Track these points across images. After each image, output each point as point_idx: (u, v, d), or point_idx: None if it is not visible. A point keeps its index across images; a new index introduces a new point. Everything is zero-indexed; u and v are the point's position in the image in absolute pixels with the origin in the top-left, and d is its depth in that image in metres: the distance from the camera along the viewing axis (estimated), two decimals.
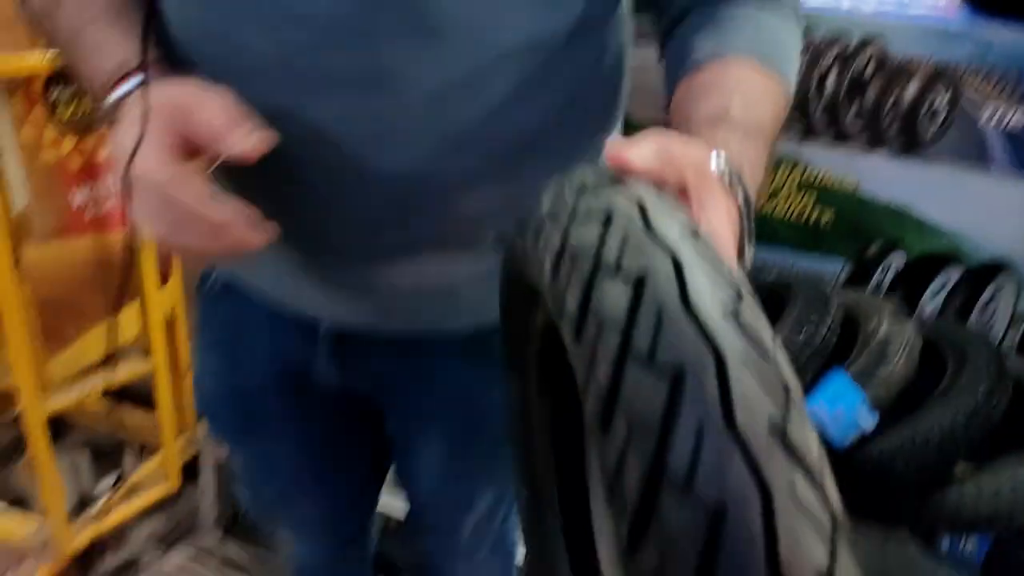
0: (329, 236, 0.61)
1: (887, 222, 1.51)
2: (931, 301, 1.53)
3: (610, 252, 0.29)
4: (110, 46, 0.53)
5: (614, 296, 0.28)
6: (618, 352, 0.26)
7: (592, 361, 0.27)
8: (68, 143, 1.11)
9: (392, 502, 1.24)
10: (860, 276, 1.56)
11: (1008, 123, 1.35)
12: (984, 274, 1.47)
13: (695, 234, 0.31)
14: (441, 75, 0.51)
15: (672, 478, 0.23)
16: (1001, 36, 1.33)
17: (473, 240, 0.61)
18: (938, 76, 1.37)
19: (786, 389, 0.27)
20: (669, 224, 0.31)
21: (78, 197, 1.14)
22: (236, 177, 0.58)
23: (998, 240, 1.44)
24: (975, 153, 1.38)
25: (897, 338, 1.28)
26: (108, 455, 1.51)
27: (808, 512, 0.24)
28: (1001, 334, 1.49)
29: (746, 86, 0.50)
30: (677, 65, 0.54)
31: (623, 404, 0.25)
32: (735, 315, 0.28)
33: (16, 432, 1.69)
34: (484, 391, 0.70)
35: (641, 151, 0.38)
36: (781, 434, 0.25)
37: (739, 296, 0.29)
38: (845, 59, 1.43)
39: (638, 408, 0.25)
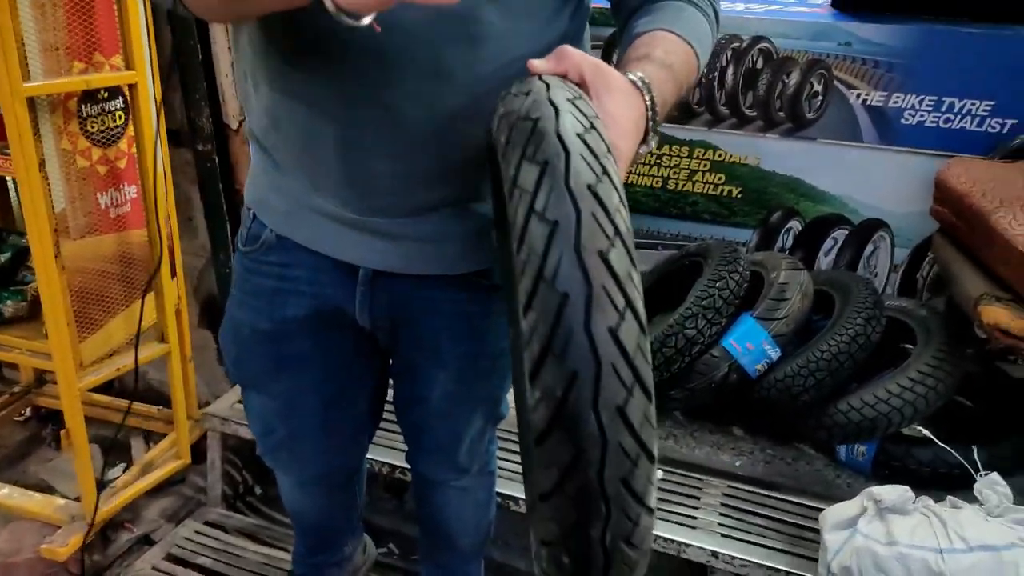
0: (380, 195, 0.77)
1: (785, 193, 1.77)
2: (825, 258, 1.79)
3: (524, 109, 0.53)
4: None
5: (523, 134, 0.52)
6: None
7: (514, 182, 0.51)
8: (96, 153, 1.30)
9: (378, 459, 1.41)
10: (767, 241, 1.82)
11: (870, 102, 1.62)
12: (865, 231, 1.73)
13: (576, 99, 0.54)
14: (479, 71, 0.70)
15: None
16: (861, 31, 1.59)
17: (476, 197, 0.80)
18: (814, 65, 1.63)
19: (603, 167, 0.51)
20: (559, 93, 0.54)
21: (103, 200, 1.32)
22: (317, 149, 0.76)
23: (874, 202, 1.70)
24: (849, 130, 1.64)
25: (793, 283, 1.53)
26: (115, 449, 1.63)
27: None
28: (884, 280, 1.76)
29: (667, 45, 0.71)
30: (625, 38, 0.76)
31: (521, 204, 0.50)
32: (581, 135, 0.51)
33: (30, 430, 1.83)
34: (482, 317, 0.88)
35: (545, 61, 0.61)
36: (594, 192, 0.49)
37: (591, 127, 0.52)
38: (740, 55, 1.69)
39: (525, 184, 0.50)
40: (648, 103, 0.64)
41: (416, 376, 0.95)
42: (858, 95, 1.62)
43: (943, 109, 1.58)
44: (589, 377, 0.46)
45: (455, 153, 0.75)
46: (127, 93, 1.34)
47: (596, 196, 0.49)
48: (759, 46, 1.68)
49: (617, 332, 0.47)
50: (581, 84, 0.60)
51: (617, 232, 0.49)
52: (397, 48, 0.68)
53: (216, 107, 1.57)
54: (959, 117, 1.58)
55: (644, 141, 0.64)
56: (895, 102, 1.61)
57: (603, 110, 0.59)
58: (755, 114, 1.72)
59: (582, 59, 0.61)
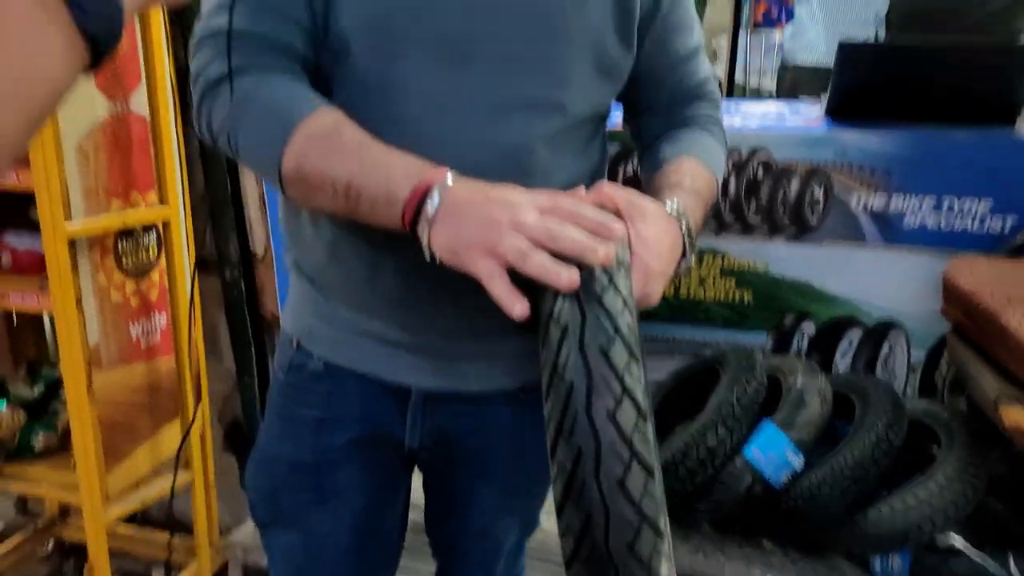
0: (438, 317, 0.81)
1: (796, 296, 1.80)
2: (842, 360, 1.80)
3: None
4: (400, 155, 0.68)
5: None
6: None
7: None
8: (129, 286, 1.36)
9: None
10: (782, 344, 1.83)
11: (871, 206, 1.67)
12: (879, 332, 1.74)
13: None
14: (543, 134, 0.78)
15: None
16: (855, 139, 1.66)
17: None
18: (813, 173, 1.70)
19: (610, 277, 0.60)
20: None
21: (135, 330, 1.38)
22: (378, 279, 0.80)
23: (884, 302, 1.72)
24: (852, 232, 1.69)
25: (811, 388, 1.53)
26: None
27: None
28: (904, 381, 1.75)
29: (692, 172, 0.82)
30: (651, 162, 0.88)
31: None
32: (610, 273, 0.62)
33: (52, 566, 1.82)
34: (531, 429, 0.88)
35: (588, 192, 0.70)
36: (599, 299, 0.59)
37: (619, 265, 0.62)
38: (740, 166, 1.76)
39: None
40: (684, 228, 0.74)
41: (456, 491, 0.96)
42: (859, 199, 1.68)
43: (943, 209, 1.62)
44: (591, 453, 0.56)
45: None
46: (160, 227, 1.42)
47: (600, 303, 0.59)
48: (758, 158, 1.75)
49: (615, 415, 0.56)
50: (617, 211, 0.69)
51: (617, 331, 0.59)
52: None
53: (243, 236, 1.65)
54: (960, 216, 1.62)
55: (682, 258, 0.74)
56: (895, 204, 1.66)
57: (637, 234, 0.68)
58: (760, 221, 1.77)
59: (615, 191, 0.70)
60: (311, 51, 0.77)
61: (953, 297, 1.48)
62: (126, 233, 1.36)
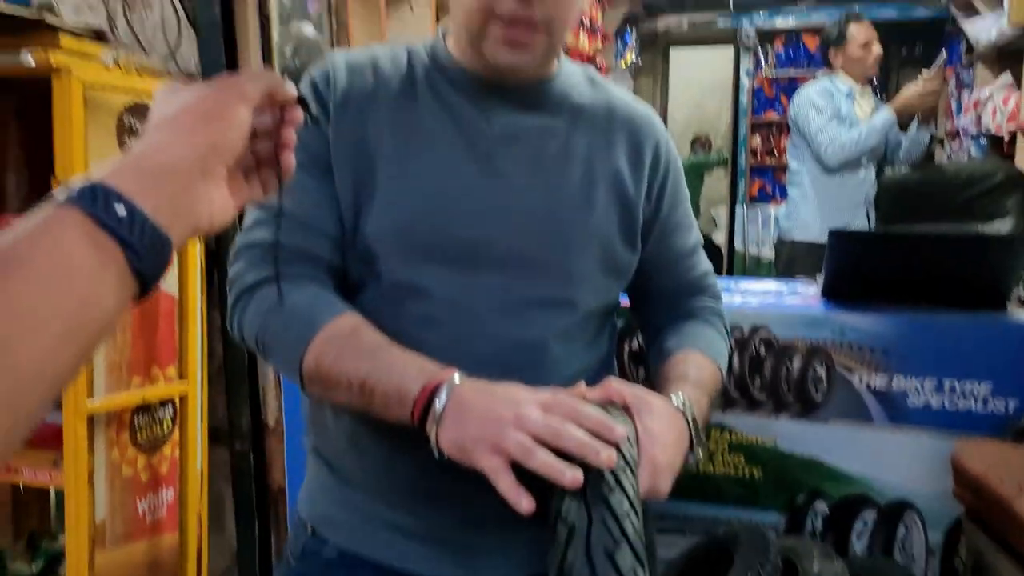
0: (455, 508, 0.84)
1: (806, 473, 1.78)
2: (857, 541, 1.75)
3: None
4: (412, 357, 0.75)
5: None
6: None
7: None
8: (141, 460, 1.38)
9: None
10: (795, 523, 1.79)
11: (874, 385, 1.70)
12: (893, 513, 1.71)
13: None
14: (555, 330, 0.83)
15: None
16: (852, 320, 1.73)
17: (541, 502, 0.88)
18: (814, 352, 1.74)
19: (617, 479, 0.64)
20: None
21: (142, 506, 1.38)
22: (397, 469, 0.83)
23: (896, 482, 1.71)
24: (858, 411, 1.71)
25: (828, 574, 1.49)
26: None
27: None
28: (923, 565, 1.70)
29: (696, 364, 0.89)
30: (657, 353, 0.95)
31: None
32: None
33: None
34: None
35: (594, 390, 0.74)
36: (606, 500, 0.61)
37: (626, 464, 0.65)
38: (743, 343, 1.81)
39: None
40: (690, 421, 0.79)
41: None
42: (860, 378, 1.71)
43: (945, 390, 1.65)
44: None
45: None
46: (177, 401, 1.46)
47: (607, 504, 0.63)
48: (760, 335, 1.80)
49: None
50: (625, 407, 0.74)
51: (624, 535, 0.62)
52: (474, 374, 0.77)
53: (256, 407, 1.68)
54: (962, 398, 1.65)
55: (689, 452, 0.78)
56: (897, 384, 1.69)
57: (644, 428, 0.72)
58: (765, 397, 1.80)
59: (623, 387, 0.77)
60: (338, 257, 0.86)
61: (964, 480, 1.47)
62: (143, 407, 1.39)
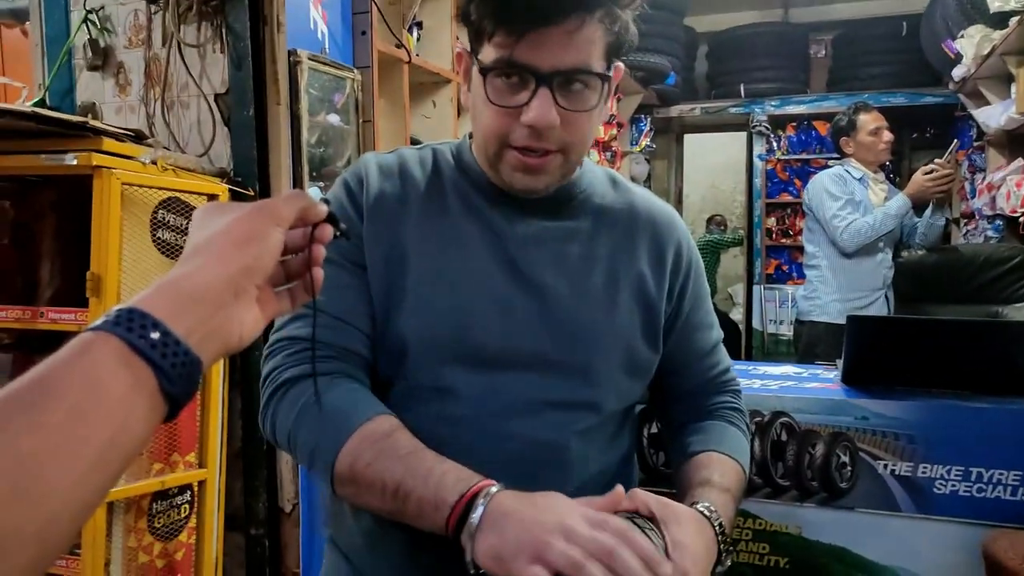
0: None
1: (834, 563, 1.73)
2: None
3: None
4: (451, 465, 0.73)
5: None
6: None
7: None
8: (157, 547, 1.37)
9: None
10: None
11: (899, 472, 1.66)
12: None
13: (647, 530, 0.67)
14: (565, 489, 0.80)
15: None
16: (874, 407, 1.71)
17: None
18: (837, 438, 1.72)
19: None
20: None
21: None
22: (414, 566, 0.83)
23: (925, 572, 1.65)
24: (884, 499, 1.67)
25: None
26: None
27: None
28: None
29: (720, 467, 0.88)
30: (679, 454, 0.95)
31: None
32: None
33: None
34: None
35: (625, 500, 0.73)
36: None
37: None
38: (763, 429, 1.79)
39: None
40: (717, 529, 0.77)
41: None
42: (885, 465, 1.68)
43: (972, 479, 1.61)
44: None
45: None
46: (195, 487, 1.46)
47: None
48: (780, 420, 1.78)
49: None
50: (651, 517, 0.73)
51: None
52: (499, 473, 0.77)
53: (273, 492, 1.68)
54: (991, 487, 1.61)
55: (719, 562, 0.76)
56: (923, 472, 1.66)
57: (673, 539, 0.71)
58: (788, 483, 1.76)
59: (648, 497, 0.76)
60: (371, 354, 0.87)
61: (996, 571, 1.42)
62: (161, 493, 1.40)
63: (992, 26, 3.43)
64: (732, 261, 6.72)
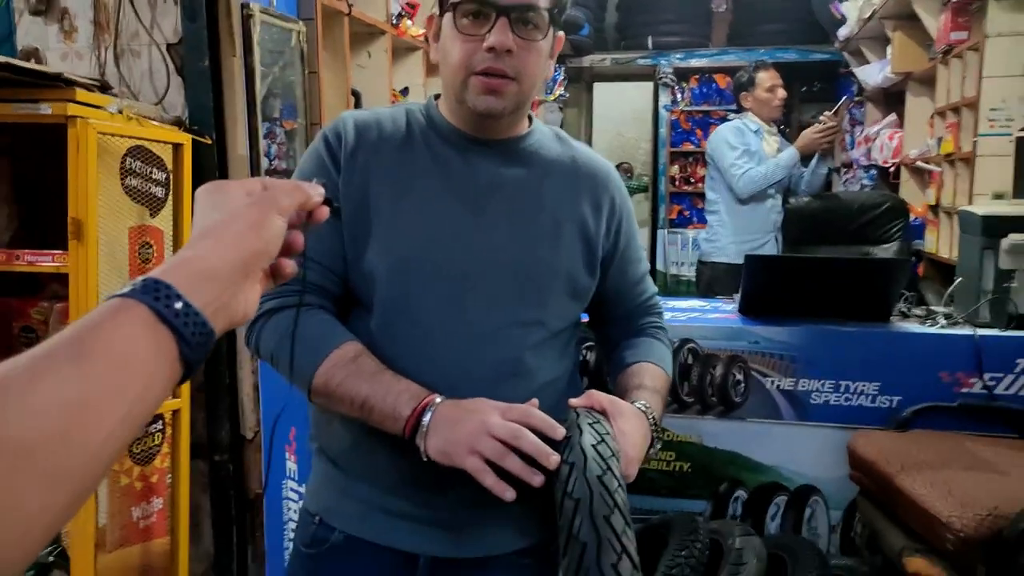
0: (449, 493, 0.98)
1: (728, 466, 2.04)
2: (771, 523, 2.01)
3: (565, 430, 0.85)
4: (405, 383, 0.93)
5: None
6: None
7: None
8: (136, 470, 1.49)
9: None
10: (719, 510, 2.04)
11: (783, 387, 1.97)
12: (801, 497, 1.98)
13: (595, 423, 0.87)
14: (522, 395, 0.96)
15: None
16: (765, 332, 2.00)
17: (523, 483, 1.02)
18: (733, 360, 2.01)
19: (607, 465, 0.83)
20: (584, 420, 0.87)
21: (136, 513, 1.49)
22: (399, 461, 0.97)
23: (804, 470, 1.98)
24: (770, 410, 1.97)
25: (749, 549, 1.73)
26: None
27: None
28: (826, 540, 1.97)
29: (651, 373, 1.08)
30: (618, 365, 1.13)
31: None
32: (595, 446, 0.82)
33: None
34: None
35: (580, 399, 0.94)
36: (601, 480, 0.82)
37: (601, 440, 0.84)
38: (673, 354, 2.05)
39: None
40: (651, 421, 0.99)
41: None
42: (772, 382, 1.98)
43: (841, 390, 1.93)
44: None
45: None
46: (167, 417, 1.58)
47: (602, 482, 0.82)
48: (687, 346, 2.06)
49: (617, 567, 0.79)
50: (603, 411, 0.94)
51: (616, 504, 0.82)
52: (464, 391, 0.95)
53: (235, 421, 1.81)
54: (856, 396, 1.94)
55: (652, 445, 0.98)
56: (803, 386, 1.97)
57: (618, 428, 0.92)
58: (692, 400, 2.05)
59: (602, 396, 0.96)
60: (343, 289, 1.03)
61: (858, 465, 1.75)
62: None
63: None
64: (638, 206, 7.03)
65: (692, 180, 6.24)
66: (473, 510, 1.01)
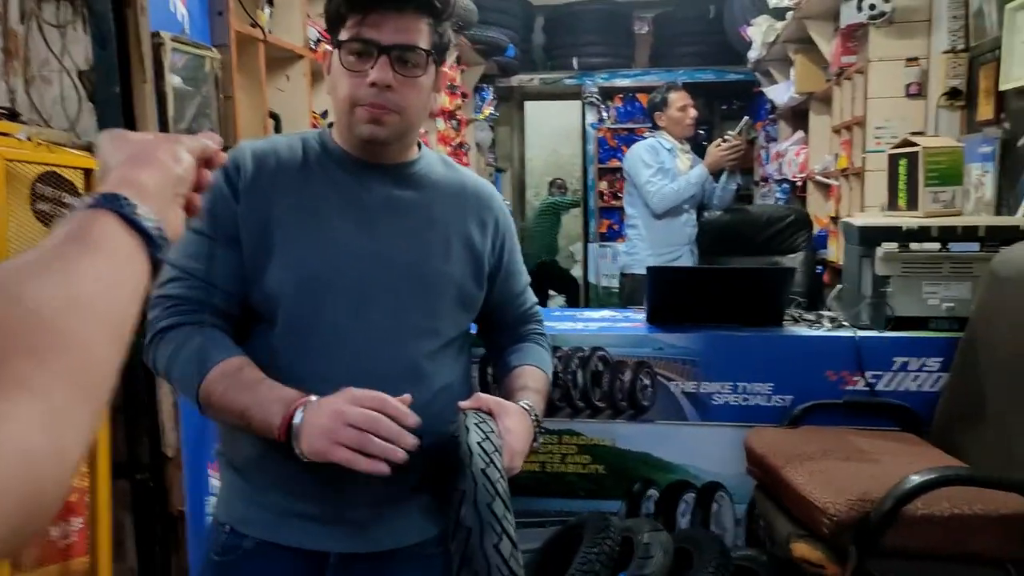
0: (353, 494, 1.04)
1: (640, 466, 2.15)
2: (682, 519, 2.13)
3: (455, 429, 0.98)
4: (279, 391, 0.98)
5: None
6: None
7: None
8: None
9: None
10: (633, 508, 2.15)
11: (686, 390, 2.10)
12: (707, 493, 2.11)
13: (481, 423, 0.98)
14: (421, 398, 1.02)
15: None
16: (669, 339, 2.12)
17: (423, 482, 1.09)
18: (641, 366, 2.13)
19: (490, 459, 0.93)
20: (471, 420, 0.97)
21: (55, 532, 1.50)
22: (305, 473, 1.01)
23: (709, 467, 2.10)
24: (676, 412, 2.10)
25: (655, 543, 1.84)
26: None
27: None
28: (732, 533, 2.10)
29: (534, 375, 1.19)
30: (504, 369, 1.24)
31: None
32: (480, 443, 0.92)
33: None
34: None
35: (469, 401, 1.04)
36: (485, 472, 0.93)
37: (485, 438, 0.95)
38: (584, 361, 2.16)
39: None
40: (533, 419, 1.10)
41: None
42: (676, 385, 2.11)
43: (739, 391, 2.07)
44: (484, 573, 0.91)
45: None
46: None
47: (485, 474, 0.93)
48: (598, 354, 2.17)
49: (498, 547, 0.90)
50: (490, 412, 1.04)
51: (497, 492, 0.92)
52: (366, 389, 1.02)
53: (155, 439, 1.84)
54: (753, 396, 2.08)
55: (535, 439, 1.09)
56: (704, 388, 2.10)
57: (505, 426, 1.02)
58: (604, 405, 2.16)
59: (488, 398, 1.07)
60: (236, 308, 1.09)
61: (752, 460, 1.88)
62: None
63: (776, 17, 4.01)
64: (574, 221, 7.22)
65: (620, 195, 6.43)
66: (376, 507, 1.08)
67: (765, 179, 5.11)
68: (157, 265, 0.52)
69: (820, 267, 3.66)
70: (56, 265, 0.43)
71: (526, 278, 1.31)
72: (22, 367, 0.37)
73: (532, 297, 1.33)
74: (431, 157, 1.20)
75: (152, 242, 0.51)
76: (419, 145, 1.19)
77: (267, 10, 2.36)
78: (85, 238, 0.47)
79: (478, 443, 0.95)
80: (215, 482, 1.74)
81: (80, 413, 0.40)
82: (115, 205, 0.51)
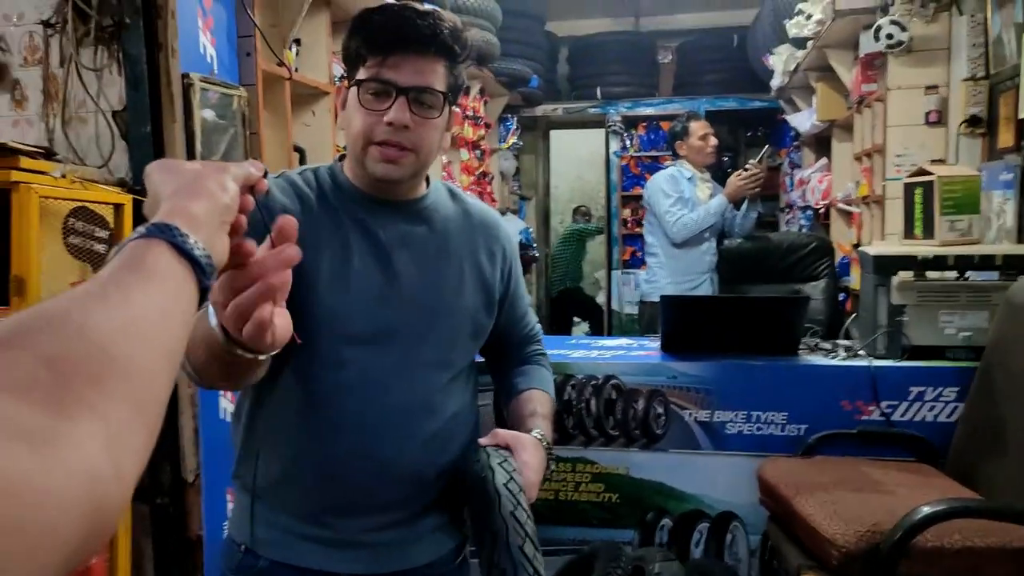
0: (362, 519, 1.09)
1: (654, 495, 2.15)
2: (696, 549, 2.12)
3: (479, 468, 1.02)
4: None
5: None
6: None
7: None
8: None
9: None
10: (646, 538, 2.14)
11: (700, 419, 2.10)
12: (721, 523, 2.10)
13: (503, 461, 1.03)
14: (431, 426, 1.09)
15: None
16: (683, 368, 2.13)
17: (428, 510, 1.13)
18: (654, 394, 2.14)
19: (517, 501, 0.99)
20: (495, 459, 1.02)
21: None
22: (328, 491, 1.08)
23: (723, 497, 2.10)
24: (689, 441, 2.10)
25: (667, 573, 1.84)
26: None
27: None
28: (747, 564, 2.08)
29: (540, 399, 1.22)
30: (508, 393, 1.27)
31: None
32: (506, 484, 0.97)
33: None
34: None
35: (486, 438, 1.08)
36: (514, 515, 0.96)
37: (511, 478, 1.01)
38: (598, 389, 2.18)
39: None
40: (546, 448, 1.14)
41: None
42: (690, 414, 2.11)
43: (752, 420, 2.07)
44: None
45: (415, 484, 1.13)
46: None
47: (515, 517, 0.98)
48: (612, 382, 2.19)
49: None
50: (507, 446, 1.09)
51: (527, 535, 0.98)
52: (379, 430, 1.07)
53: (175, 464, 1.89)
54: (767, 425, 2.07)
55: (547, 468, 1.13)
56: (718, 417, 2.10)
57: (521, 460, 1.07)
58: (618, 433, 2.17)
59: (505, 434, 1.12)
60: None
61: (764, 490, 1.87)
62: None
63: (796, 46, 4.04)
64: (599, 248, 7.25)
65: (642, 223, 6.47)
66: (388, 530, 1.12)
67: (790, 206, 5.09)
68: (205, 292, 0.55)
69: (843, 295, 3.63)
70: (114, 294, 0.46)
71: (528, 300, 1.35)
72: (87, 394, 0.39)
73: (533, 317, 1.37)
74: (440, 191, 1.24)
75: (201, 270, 0.54)
76: (427, 179, 1.23)
77: (294, 49, 2.45)
78: (140, 267, 0.49)
79: (504, 485, 1.00)
80: (232, 506, 1.79)
81: (138, 437, 0.42)
82: (168, 235, 0.53)
